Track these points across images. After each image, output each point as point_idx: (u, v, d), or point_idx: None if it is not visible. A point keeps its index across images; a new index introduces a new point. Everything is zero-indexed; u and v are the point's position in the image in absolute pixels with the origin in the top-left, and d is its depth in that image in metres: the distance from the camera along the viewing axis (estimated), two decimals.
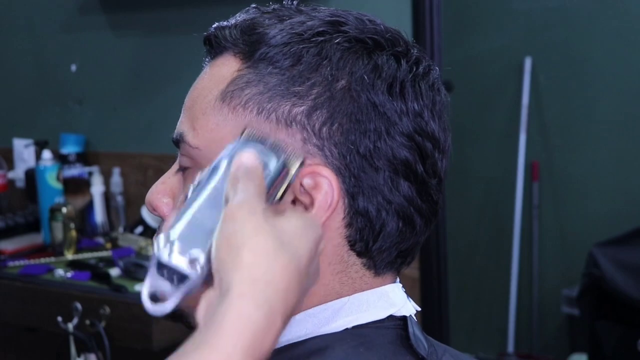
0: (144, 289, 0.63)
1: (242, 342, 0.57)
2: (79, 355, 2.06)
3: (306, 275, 0.63)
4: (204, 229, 0.64)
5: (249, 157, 0.67)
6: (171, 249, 0.63)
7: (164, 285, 0.63)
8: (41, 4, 2.91)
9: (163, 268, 0.63)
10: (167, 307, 0.63)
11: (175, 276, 0.63)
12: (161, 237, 0.63)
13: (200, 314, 0.60)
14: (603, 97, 3.33)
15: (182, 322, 0.80)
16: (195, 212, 0.65)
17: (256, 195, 0.64)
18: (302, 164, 0.72)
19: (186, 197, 0.69)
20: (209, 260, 0.62)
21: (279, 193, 0.70)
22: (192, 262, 0.63)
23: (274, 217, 0.64)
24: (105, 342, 2.01)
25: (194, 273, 0.62)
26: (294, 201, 0.74)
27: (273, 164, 0.69)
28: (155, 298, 0.63)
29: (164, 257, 0.63)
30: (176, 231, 0.64)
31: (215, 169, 0.67)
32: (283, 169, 0.70)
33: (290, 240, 0.62)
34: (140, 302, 2.04)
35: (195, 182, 0.69)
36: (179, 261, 0.62)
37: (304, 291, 0.63)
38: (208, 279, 0.63)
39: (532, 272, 3.51)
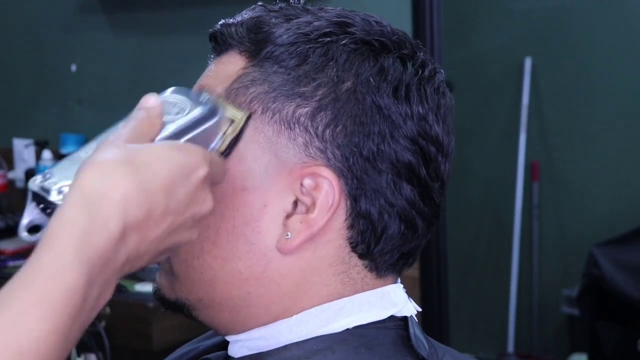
0: (23, 220, 0.66)
1: (69, 241, 0.58)
2: (79, 355, 2.06)
3: (161, 195, 0.63)
4: (79, 161, 0.66)
5: (149, 98, 0.70)
6: (43, 179, 0.66)
7: (40, 217, 0.66)
8: (41, 4, 2.91)
9: (37, 200, 0.66)
10: (39, 234, 0.65)
11: (48, 208, 0.65)
12: (39, 174, 0.67)
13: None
14: (603, 97, 3.33)
15: (183, 313, 0.80)
16: (81, 150, 0.68)
17: (131, 129, 0.66)
18: (248, 118, 0.73)
19: None
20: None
21: (221, 143, 0.71)
22: (59, 191, 0.65)
23: (136, 145, 0.65)
24: (105, 342, 2.01)
25: (57, 202, 0.65)
26: (296, 202, 0.74)
27: (196, 111, 0.70)
28: (32, 229, 0.66)
29: (34, 186, 0.66)
30: (56, 166, 0.67)
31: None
32: (208, 117, 0.70)
33: (141, 160, 0.64)
34: (140, 302, 2.05)
35: None
36: (45, 189, 0.65)
37: (163, 215, 0.63)
38: None
39: (532, 272, 3.51)
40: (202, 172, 0.67)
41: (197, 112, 0.70)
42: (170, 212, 0.64)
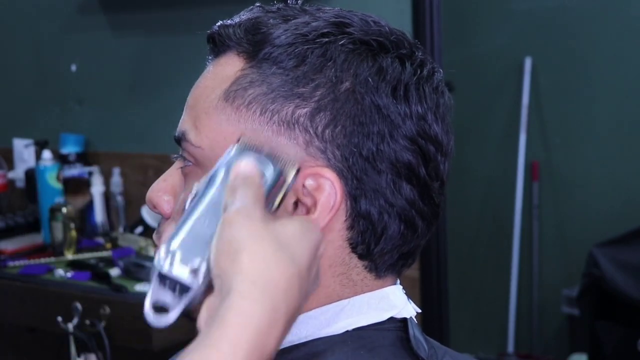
0: (147, 300, 0.63)
1: (245, 338, 0.56)
2: (79, 355, 2.06)
3: (307, 278, 0.63)
4: (203, 237, 0.64)
5: (246, 165, 0.67)
6: (172, 259, 0.63)
7: (167, 296, 0.63)
8: (41, 4, 2.91)
9: (165, 279, 0.63)
10: (169, 318, 0.63)
11: (177, 286, 0.63)
12: (162, 248, 0.63)
13: (202, 320, 0.60)
14: (603, 97, 3.33)
15: (186, 316, 0.80)
16: (195, 222, 0.65)
17: (254, 202, 0.64)
18: (297, 171, 0.72)
19: (184, 208, 0.69)
20: (209, 268, 0.62)
21: (276, 201, 0.70)
22: (194, 271, 0.62)
23: (272, 222, 0.64)
24: (105, 342, 2.01)
25: (196, 282, 0.62)
26: (297, 202, 0.74)
27: (269, 172, 0.69)
28: (158, 308, 0.63)
29: (165, 268, 0.63)
30: (177, 241, 0.63)
31: (212, 179, 0.67)
32: (279, 177, 0.70)
33: (288, 244, 0.62)
34: (140, 302, 2.04)
35: (193, 193, 0.69)
36: (180, 272, 0.62)
37: (305, 295, 0.63)
38: (209, 287, 0.62)
39: (532, 272, 3.51)
40: (323, 247, 0.67)
41: (273, 175, 0.69)
42: (304, 290, 0.63)
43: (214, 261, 0.61)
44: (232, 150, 0.70)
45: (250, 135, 0.74)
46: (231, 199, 0.64)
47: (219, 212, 0.64)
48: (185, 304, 0.63)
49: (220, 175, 0.67)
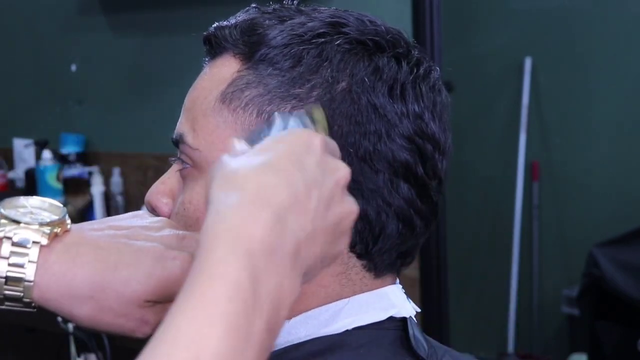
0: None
1: (221, 238, 0.52)
2: (79, 355, 2.06)
3: (293, 168, 0.57)
4: None
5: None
6: None
7: None
8: (41, 4, 2.91)
9: None
10: None
11: None
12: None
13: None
14: (603, 97, 3.33)
15: None
16: None
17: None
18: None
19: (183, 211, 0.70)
20: None
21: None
22: None
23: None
24: (105, 342, 2.01)
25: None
26: None
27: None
28: None
29: None
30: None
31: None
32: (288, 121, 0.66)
33: (259, 147, 0.59)
34: None
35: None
36: None
37: (306, 187, 0.57)
38: None
39: (532, 272, 3.51)
40: (317, 140, 0.61)
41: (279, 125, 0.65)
42: (311, 185, 0.57)
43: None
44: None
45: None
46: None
47: None
48: None
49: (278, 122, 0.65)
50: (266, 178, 0.56)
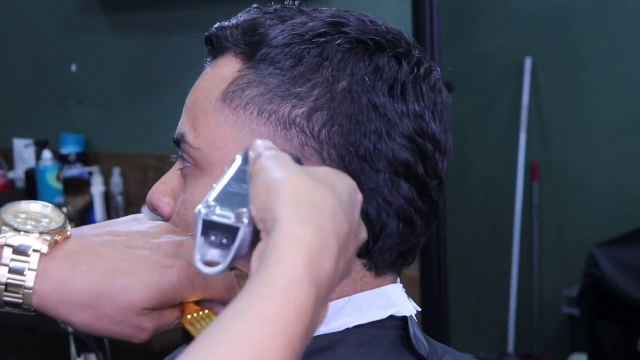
0: (196, 255, 0.59)
1: (300, 259, 0.53)
2: (79, 355, 2.06)
3: (349, 212, 0.59)
4: (237, 194, 0.61)
5: (264, 142, 0.64)
6: (214, 209, 0.60)
7: (213, 253, 0.60)
8: (41, 4, 2.91)
9: (209, 229, 0.60)
10: (222, 267, 0.60)
11: (224, 238, 0.60)
12: (200, 205, 0.60)
13: (253, 267, 0.57)
14: (603, 97, 3.33)
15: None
16: (226, 185, 0.62)
17: (282, 152, 0.61)
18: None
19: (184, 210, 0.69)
20: (251, 215, 0.59)
21: None
22: (238, 215, 0.59)
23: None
24: (105, 342, 2.01)
25: (242, 225, 0.59)
26: None
27: None
28: (206, 263, 0.60)
29: (209, 216, 0.59)
30: (212, 197, 0.60)
31: (241, 159, 0.64)
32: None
33: (325, 178, 0.59)
34: None
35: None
36: (225, 214, 0.59)
37: (352, 232, 0.59)
38: (255, 237, 0.59)
39: (532, 272, 3.51)
40: (360, 196, 0.62)
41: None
42: (353, 231, 0.59)
43: (255, 205, 0.58)
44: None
45: (247, 136, 0.74)
46: (257, 156, 0.61)
47: (247, 178, 0.62)
48: (234, 250, 0.59)
49: (238, 159, 0.64)
50: (337, 209, 0.57)
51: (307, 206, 0.56)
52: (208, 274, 0.59)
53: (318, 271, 0.54)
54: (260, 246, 0.57)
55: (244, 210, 0.59)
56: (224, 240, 0.60)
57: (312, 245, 0.54)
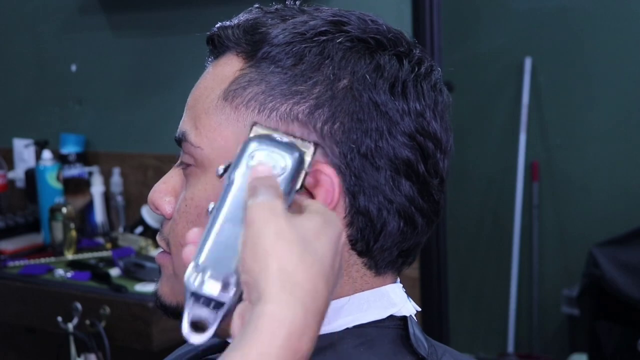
0: (184, 320, 0.63)
1: (277, 343, 0.56)
2: (79, 355, 2.06)
3: (332, 274, 0.62)
4: (229, 247, 0.63)
5: (262, 170, 0.66)
6: (202, 278, 0.63)
7: (202, 312, 0.63)
8: (41, 4, 2.91)
9: (198, 297, 0.63)
10: (208, 334, 0.63)
11: (212, 302, 0.63)
12: (190, 267, 0.63)
13: (235, 328, 0.60)
14: (603, 97, 3.33)
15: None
16: (218, 233, 0.64)
17: (276, 197, 0.63)
18: (315, 148, 0.71)
19: (184, 207, 0.71)
20: (239, 278, 0.62)
21: (298, 182, 0.68)
22: (225, 286, 0.63)
23: (295, 218, 0.63)
24: (105, 342, 2.01)
25: (227, 297, 0.62)
26: None
27: (289, 162, 0.67)
28: (195, 325, 0.63)
29: (196, 288, 0.63)
30: (203, 256, 0.63)
31: (229, 184, 0.66)
32: (300, 161, 0.68)
33: (312, 240, 0.61)
34: (140, 302, 2.05)
35: (210, 207, 0.68)
36: (212, 289, 0.63)
37: (332, 290, 0.62)
38: (241, 295, 0.63)
39: (532, 272, 3.51)
40: (343, 238, 0.65)
41: (291, 164, 0.67)
42: (333, 285, 0.63)
43: (242, 267, 0.61)
44: (247, 146, 0.68)
45: (247, 134, 0.74)
46: (253, 197, 0.63)
47: (241, 214, 0.64)
48: (220, 317, 0.63)
49: (238, 178, 0.66)
50: (320, 284, 0.60)
51: (291, 286, 0.58)
52: (195, 343, 0.63)
53: (294, 352, 0.57)
54: (240, 307, 0.60)
55: (230, 280, 0.62)
56: (212, 304, 0.63)
57: (292, 327, 0.57)
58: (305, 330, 0.58)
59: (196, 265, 0.63)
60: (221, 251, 0.64)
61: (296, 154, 0.68)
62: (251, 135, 0.70)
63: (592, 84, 3.35)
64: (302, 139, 0.71)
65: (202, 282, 0.62)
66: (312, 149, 0.70)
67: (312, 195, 0.74)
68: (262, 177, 0.65)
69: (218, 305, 0.63)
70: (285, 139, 0.69)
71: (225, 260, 0.63)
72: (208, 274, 0.63)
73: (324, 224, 0.64)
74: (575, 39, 3.36)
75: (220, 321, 0.63)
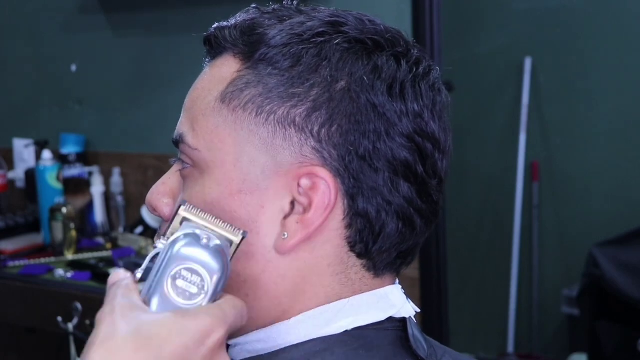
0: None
1: None
2: (79, 355, 2.06)
3: None
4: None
5: (114, 274, 0.70)
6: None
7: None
8: (41, 4, 2.91)
9: None
10: None
11: None
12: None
13: None
14: (603, 97, 3.33)
15: None
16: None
17: (122, 296, 0.65)
18: (242, 239, 0.71)
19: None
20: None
21: (224, 280, 0.68)
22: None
23: (141, 313, 0.63)
24: None
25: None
26: (293, 202, 0.74)
27: (211, 279, 0.66)
28: None
29: None
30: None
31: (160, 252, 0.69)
32: (225, 267, 0.67)
33: (151, 332, 0.61)
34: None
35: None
36: None
37: None
38: None
39: (532, 272, 3.51)
40: (217, 335, 0.63)
41: (217, 274, 0.66)
42: None
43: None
44: (175, 242, 0.67)
45: (246, 136, 0.74)
46: (112, 293, 0.66)
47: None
48: None
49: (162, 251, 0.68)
50: None
51: None
52: None
53: None
54: None
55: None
56: None
57: None
58: None
59: None
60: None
61: (221, 263, 0.67)
62: (179, 215, 0.71)
63: (592, 84, 3.35)
64: (232, 226, 0.71)
65: None
66: (240, 237, 0.70)
67: (309, 199, 0.73)
68: (112, 282, 0.69)
69: None
70: (212, 242, 0.68)
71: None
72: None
73: (176, 322, 0.63)
74: (575, 39, 3.36)
75: None
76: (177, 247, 0.66)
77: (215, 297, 0.66)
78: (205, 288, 0.65)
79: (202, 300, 0.65)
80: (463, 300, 3.51)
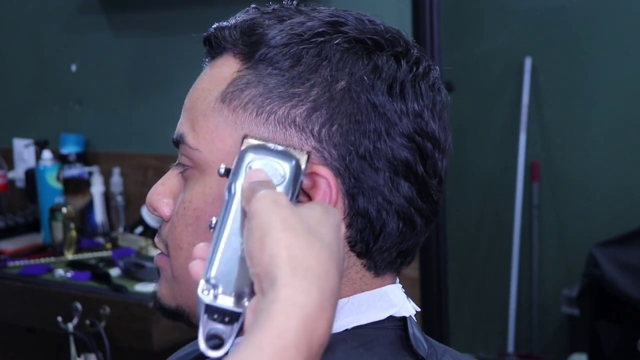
0: (200, 335, 0.62)
1: (293, 324, 0.56)
2: (79, 355, 2.06)
3: (339, 257, 0.62)
4: (238, 260, 0.64)
5: (257, 174, 0.66)
6: (215, 292, 0.63)
7: (218, 327, 0.63)
8: (41, 4, 2.91)
9: (212, 312, 0.63)
10: (225, 348, 0.63)
11: (227, 317, 0.63)
12: (201, 283, 0.63)
13: (248, 323, 0.60)
14: (603, 97, 3.33)
15: (183, 321, 0.80)
16: (225, 247, 0.64)
17: (277, 190, 0.64)
18: (309, 157, 0.71)
19: (182, 210, 0.72)
20: (252, 287, 0.62)
21: (297, 189, 0.69)
22: (239, 297, 0.63)
23: (297, 207, 0.63)
24: (105, 342, 2.01)
25: (243, 307, 0.62)
26: None
27: (287, 169, 0.68)
28: (211, 338, 0.63)
29: (210, 302, 0.63)
30: (213, 270, 0.63)
31: (230, 197, 0.66)
32: (297, 169, 0.69)
33: (317, 227, 0.62)
34: (140, 302, 2.05)
35: (213, 221, 0.68)
36: (226, 302, 0.62)
37: (341, 274, 0.62)
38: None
39: (532, 272, 3.51)
40: (343, 228, 0.67)
41: (289, 171, 0.68)
42: (341, 270, 0.63)
43: (250, 260, 0.61)
44: (243, 157, 0.68)
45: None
46: (252, 194, 0.63)
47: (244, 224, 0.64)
48: (237, 330, 0.63)
49: (238, 189, 0.66)
50: (331, 269, 0.60)
51: (303, 270, 0.58)
52: (213, 357, 0.62)
53: (311, 335, 0.56)
54: (253, 302, 0.60)
55: (245, 291, 0.62)
56: (227, 319, 0.63)
57: (307, 311, 0.57)
58: (321, 313, 0.57)
59: (207, 281, 0.63)
60: (230, 264, 0.64)
61: (293, 162, 0.68)
62: (243, 147, 0.70)
63: (592, 84, 3.35)
64: (294, 148, 0.72)
65: (215, 297, 0.62)
66: (305, 156, 0.71)
67: (309, 198, 0.74)
68: (258, 180, 0.65)
69: (232, 319, 0.62)
70: (280, 147, 0.70)
71: (235, 271, 0.63)
72: (220, 289, 0.63)
73: (325, 212, 0.64)
74: (575, 39, 3.36)
75: (236, 335, 0.63)
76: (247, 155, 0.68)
77: (296, 192, 0.68)
78: (285, 182, 0.67)
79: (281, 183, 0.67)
80: (463, 300, 3.51)
